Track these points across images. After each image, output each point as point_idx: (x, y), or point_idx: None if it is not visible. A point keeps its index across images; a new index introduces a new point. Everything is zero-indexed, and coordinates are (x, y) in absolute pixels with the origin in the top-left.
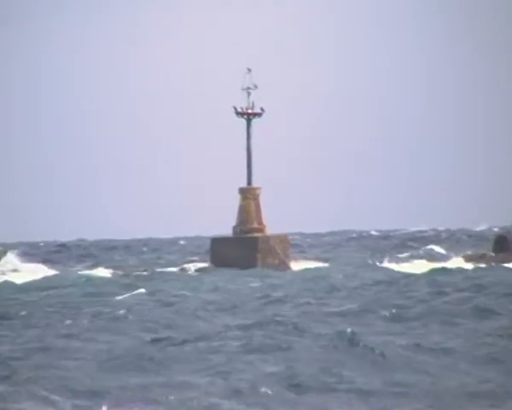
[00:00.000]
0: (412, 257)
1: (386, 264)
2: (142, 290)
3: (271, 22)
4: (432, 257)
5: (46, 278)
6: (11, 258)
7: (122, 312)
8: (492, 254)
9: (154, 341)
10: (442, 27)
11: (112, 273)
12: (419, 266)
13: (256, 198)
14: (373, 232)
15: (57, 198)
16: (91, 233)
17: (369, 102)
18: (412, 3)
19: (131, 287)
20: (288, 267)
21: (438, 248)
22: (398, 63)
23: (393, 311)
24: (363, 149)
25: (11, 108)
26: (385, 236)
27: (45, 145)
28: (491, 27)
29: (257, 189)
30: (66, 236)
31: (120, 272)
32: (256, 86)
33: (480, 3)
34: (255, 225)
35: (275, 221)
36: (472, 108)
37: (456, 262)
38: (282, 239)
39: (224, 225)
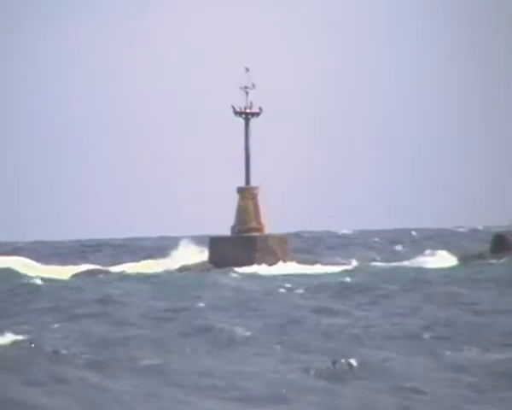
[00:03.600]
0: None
1: None
2: None
3: (270, 21)
4: None
5: None
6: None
7: None
8: (490, 253)
9: None
10: (443, 28)
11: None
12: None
13: (254, 198)
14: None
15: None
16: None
17: (369, 102)
18: (413, 4)
19: None
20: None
21: None
22: (400, 62)
23: None
24: (362, 148)
25: (10, 108)
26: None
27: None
28: (492, 30)
29: (255, 188)
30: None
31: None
32: (254, 85)
33: (482, 7)
34: (253, 225)
35: (274, 221)
36: (473, 109)
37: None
38: (281, 239)
39: (223, 225)
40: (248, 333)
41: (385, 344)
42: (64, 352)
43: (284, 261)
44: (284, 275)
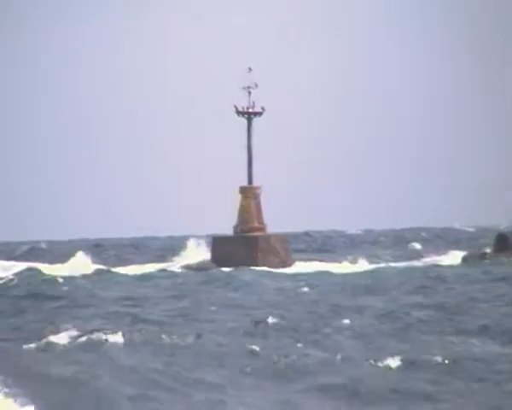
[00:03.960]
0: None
1: None
2: None
3: (272, 21)
4: None
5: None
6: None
7: None
8: (494, 253)
9: None
10: (443, 27)
11: None
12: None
13: (256, 197)
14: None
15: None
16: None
17: (371, 102)
18: (414, 4)
19: None
20: (289, 267)
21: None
22: (400, 63)
23: None
24: (364, 147)
25: (11, 109)
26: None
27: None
28: (491, 29)
29: (257, 188)
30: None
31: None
32: (256, 85)
33: (480, 7)
34: (255, 225)
35: (275, 220)
36: (471, 109)
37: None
38: (283, 239)
39: (225, 225)
40: (277, 323)
41: (412, 338)
42: (103, 336)
43: (287, 261)
44: (299, 274)
